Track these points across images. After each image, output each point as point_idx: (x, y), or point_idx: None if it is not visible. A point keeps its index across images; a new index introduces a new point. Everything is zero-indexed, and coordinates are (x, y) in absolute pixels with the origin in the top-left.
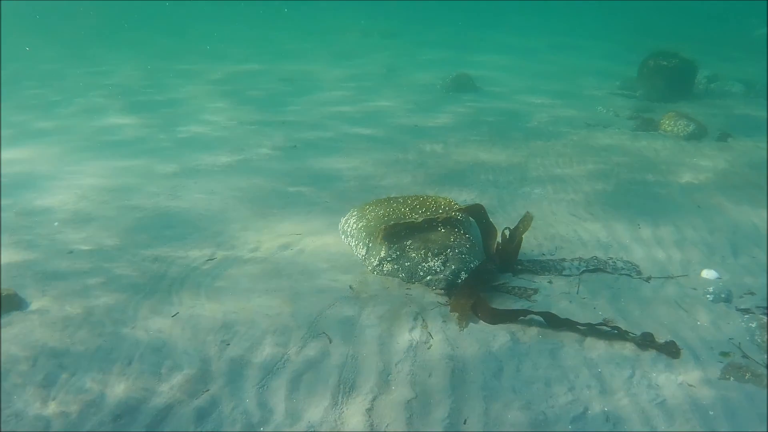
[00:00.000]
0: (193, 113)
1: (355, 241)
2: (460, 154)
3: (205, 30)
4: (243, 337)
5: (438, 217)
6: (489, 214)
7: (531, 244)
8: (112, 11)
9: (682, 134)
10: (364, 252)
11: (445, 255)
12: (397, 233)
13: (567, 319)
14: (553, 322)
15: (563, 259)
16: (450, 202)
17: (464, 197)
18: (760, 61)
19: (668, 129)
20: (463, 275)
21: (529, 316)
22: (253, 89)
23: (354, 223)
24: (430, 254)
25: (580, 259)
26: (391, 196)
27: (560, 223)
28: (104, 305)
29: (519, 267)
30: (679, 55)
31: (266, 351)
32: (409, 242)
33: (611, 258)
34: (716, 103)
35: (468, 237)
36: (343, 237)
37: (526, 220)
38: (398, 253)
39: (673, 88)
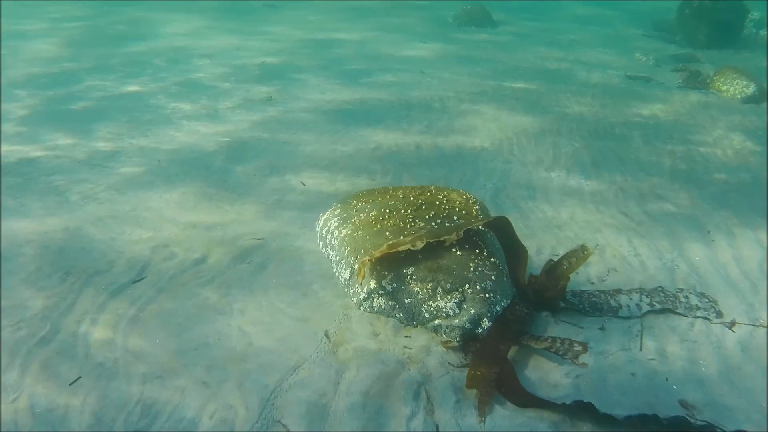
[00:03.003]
0: None
1: (336, 255)
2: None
3: None
4: (165, 424)
5: (447, 240)
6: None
7: None
8: None
9: (739, 96)
10: (347, 275)
11: (462, 292)
12: (393, 256)
13: (628, 418)
14: (610, 423)
15: (618, 291)
16: (467, 199)
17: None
18: None
19: (722, 89)
20: (486, 323)
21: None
22: None
23: (335, 227)
24: (440, 290)
25: (641, 290)
26: (388, 186)
27: (609, 228)
28: None
29: (561, 304)
30: None
31: None
32: (410, 270)
33: (681, 290)
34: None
35: (493, 262)
36: (321, 245)
37: (578, 256)
38: (395, 284)
39: (719, 34)
